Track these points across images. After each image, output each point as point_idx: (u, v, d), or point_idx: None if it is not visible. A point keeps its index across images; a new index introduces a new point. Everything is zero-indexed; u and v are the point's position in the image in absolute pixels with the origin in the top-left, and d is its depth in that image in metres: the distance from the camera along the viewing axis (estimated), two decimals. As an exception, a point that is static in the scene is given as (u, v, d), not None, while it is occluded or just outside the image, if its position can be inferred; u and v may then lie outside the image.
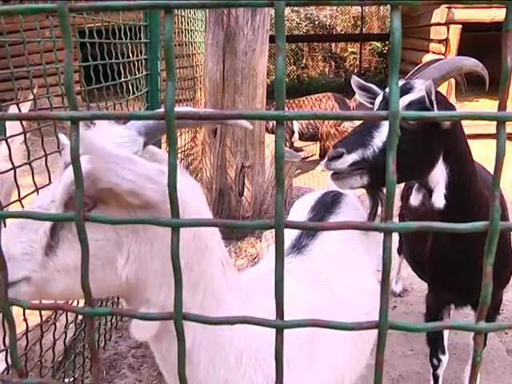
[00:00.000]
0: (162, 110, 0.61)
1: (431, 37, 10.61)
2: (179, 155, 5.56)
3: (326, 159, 2.08)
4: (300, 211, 2.23)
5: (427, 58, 10.93)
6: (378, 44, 19.25)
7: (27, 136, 2.55)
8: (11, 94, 2.66)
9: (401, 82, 2.20)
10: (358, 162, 2.04)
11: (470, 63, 2.42)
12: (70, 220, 0.66)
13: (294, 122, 8.07)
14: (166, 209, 1.04)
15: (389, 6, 0.57)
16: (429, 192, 2.26)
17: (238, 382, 1.34)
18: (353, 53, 19.94)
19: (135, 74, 3.76)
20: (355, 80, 2.63)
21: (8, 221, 0.82)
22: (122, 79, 3.44)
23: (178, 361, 0.70)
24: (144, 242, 1.16)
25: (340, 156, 2.02)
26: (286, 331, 1.41)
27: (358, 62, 19.54)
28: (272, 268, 1.80)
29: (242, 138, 4.84)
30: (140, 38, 3.88)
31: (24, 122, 3.00)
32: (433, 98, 2.07)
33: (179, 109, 0.62)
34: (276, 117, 0.59)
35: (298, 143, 8.55)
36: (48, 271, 1.13)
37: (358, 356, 1.87)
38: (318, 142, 8.50)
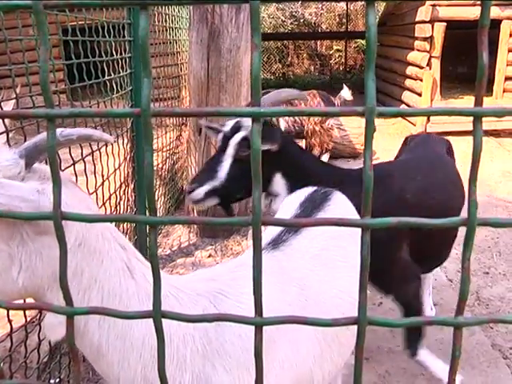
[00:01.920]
0: (137, 108, 0.61)
1: (416, 34, 10.65)
2: (165, 154, 5.54)
3: (187, 193, 2.82)
4: (289, 207, 2.22)
5: (412, 55, 11.00)
6: (364, 42, 19.28)
7: (10, 135, 2.53)
8: (-4, 93, 2.64)
9: (233, 121, 2.80)
10: (209, 191, 2.77)
11: (287, 94, 2.86)
12: (48, 219, 0.66)
13: (280, 119, 8.07)
14: (45, 224, 1.18)
15: (364, 2, 0.56)
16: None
17: (158, 380, 1.36)
18: (338, 50, 19.99)
19: (119, 73, 3.75)
20: (203, 123, 3.15)
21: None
22: (106, 77, 3.42)
23: (157, 358, 0.70)
24: (34, 252, 1.23)
25: (194, 190, 2.77)
26: (225, 333, 1.42)
27: (343, 60, 19.59)
28: (229, 267, 1.79)
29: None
30: (124, 36, 3.86)
31: (7, 121, 2.98)
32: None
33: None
34: (253, 113, 0.59)
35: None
36: None
37: (332, 357, 1.85)
38: (304, 140, 8.50)
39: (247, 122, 2.70)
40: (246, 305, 1.51)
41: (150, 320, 1.39)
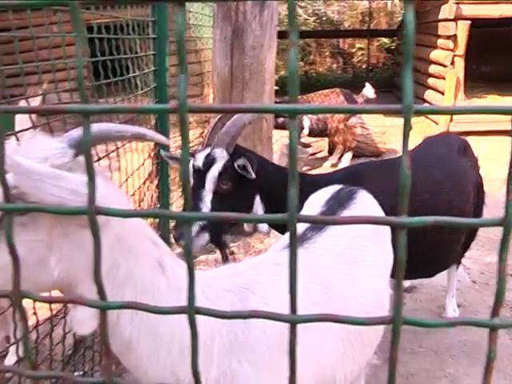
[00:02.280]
0: (173, 102, 0.61)
1: (439, 33, 10.54)
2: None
3: (175, 239, 2.77)
4: (314, 205, 2.22)
5: (436, 54, 10.89)
6: (386, 40, 19.16)
7: (37, 131, 2.55)
8: (20, 90, 2.67)
9: (204, 153, 2.74)
10: (198, 231, 2.72)
11: (248, 117, 2.81)
12: (83, 213, 0.66)
13: (305, 117, 8.05)
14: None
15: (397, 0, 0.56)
16: None
17: (186, 374, 1.37)
18: (360, 49, 19.87)
19: (143, 70, 3.77)
20: (163, 154, 3.14)
21: None
22: (131, 74, 3.44)
23: (191, 353, 0.70)
24: (74, 244, 1.22)
25: (182, 234, 2.70)
26: (251, 328, 1.42)
27: (365, 58, 19.47)
28: (253, 264, 1.78)
29: (249, 133, 4.83)
30: (148, 34, 3.88)
31: (33, 117, 3.01)
32: (237, 163, 2.66)
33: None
34: (289, 110, 0.59)
35: (305, 139, 8.53)
36: None
37: (354, 356, 1.85)
38: (327, 138, 8.48)
39: (220, 153, 2.70)
40: (271, 301, 1.52)
41: (181, 316, 1.40)
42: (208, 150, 2.74)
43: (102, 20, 3.16)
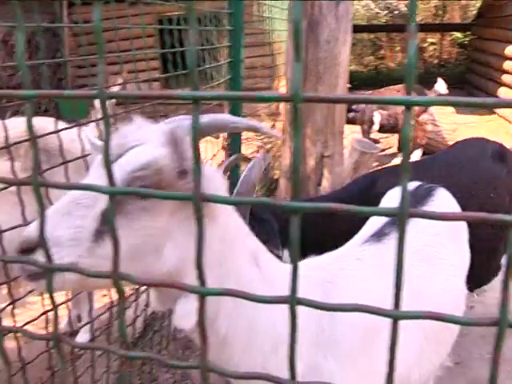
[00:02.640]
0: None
1: (517, 27, 10.17)
2: (258, 143, 5.58)
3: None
4: (390, 201, 2.20)
5: (511, 49, 10.49)
6: (459, 34, 18.60)
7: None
8: (92, 80, 2.75)
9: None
10: None
11: (256, 174, 2.52)
12: (188, 199, 0.67)
13: (375, 113, 7.95)
14: (206, 206, 1.15)
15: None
16: None
17: (276, 370, 1.34)
18: (432, 43, 19.40)
19: (219, 61, 3.80)
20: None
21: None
22: (207, 66, 3.48)
23: (290, 346, 0.70)
24: (188, 233, 1.23)
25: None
26: (337, 323, 1.40)
27: (437, 53, 18.99)
28: (334, 258, 1.77)
29: (322, 127, 4.79)
30: (224, 26, 3.91)
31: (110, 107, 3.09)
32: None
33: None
34: (405, 102, 0.58)
35: (375, 135, 8.41)
36: (94, 258, 1.16)
37: (430, 356, 1.82)
38: (397, 134, 8.34)
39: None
40: (353, 294, 1.51)
41: (275, 311, 1.40)
42: None
43: (180, 12, 3.21)
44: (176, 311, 1.27)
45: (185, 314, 1.24)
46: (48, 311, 2.59)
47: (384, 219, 1.98)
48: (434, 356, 1.85)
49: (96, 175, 1.23)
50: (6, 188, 2.32)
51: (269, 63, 6.28)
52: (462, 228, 2.18)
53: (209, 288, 0.70)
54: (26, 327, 0.92)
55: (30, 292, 2.58)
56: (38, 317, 2.55)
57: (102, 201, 1.16)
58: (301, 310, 0.66)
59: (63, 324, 4.00)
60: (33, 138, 0.74)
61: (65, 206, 1.17)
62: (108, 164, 0.69)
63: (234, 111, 3.96)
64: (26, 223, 2.45)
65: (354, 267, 1.65)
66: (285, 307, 0.65)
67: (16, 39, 0.69)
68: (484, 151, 3.29)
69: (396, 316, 0.63)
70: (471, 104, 0.58)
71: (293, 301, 0.65)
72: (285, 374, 0.72)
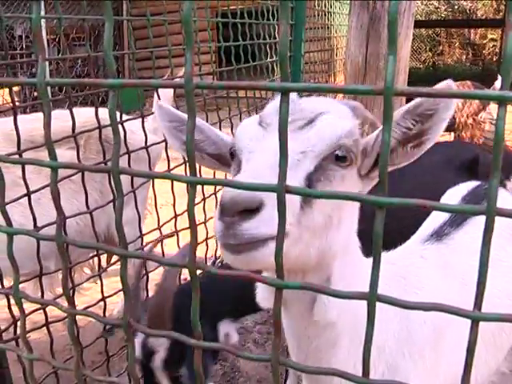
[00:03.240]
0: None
1: None
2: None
3: None
4: (450, 200, 2.16)
5: None
6: (524, 30, 18.02)
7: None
8: (149, 73, 2.80)
9: (138, 343, 2.20)
10: None
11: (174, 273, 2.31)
12: (272, 191, 0.66)
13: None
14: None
15: None
16: None
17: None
18: (493, 40, 18.86)
19: (272, 57, 3.81)
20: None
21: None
22: (268, 59, 3.48)
23: (364, 343, 0.69)
24: (353, 212, 1.22)
25: None
26: (411, 320, 1.38)
27: (497, 50, 18.49)
28: (401, 254, 1.74)
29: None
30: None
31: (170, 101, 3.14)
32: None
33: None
34: (500, 97, 0.56)
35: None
36: (299, 228, 1.04)
37: (487, 359, 1.79)
38: (453, 132, 8.16)
39: (157, 341, 2.18)
40: (423, 291, 1.49)
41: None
42: (141, 338, 2.21)
43: (243, 6, 3.21)
44: (258, 293, 1.24)
45: (266, 297, 1.22)
46: (106, 297, 2.67)
47: (442, 218, 1.94)
48: (491, 359, 1.82)
49: (268, 145, 1.09)
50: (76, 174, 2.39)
51: (327, 58, 6.23)
52: None
53: (287, 282, 0.69)
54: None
55: (91, 277, 2.65)
56: (97, 302, 2.62)
57: (308, 162, 1.09)
58: (385, 305, 0.65)
59: (116, 311, 4.09)
60: (116, 123, 0.74)
61: (266, 169, 0.99)
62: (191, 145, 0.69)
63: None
64: (89, 210, 2.52)
65: (419, 265, 1.63)
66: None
67: (105, 29, 0.70)
68: (451, 161, 2.89)
69: (477, 318, 0.61)
70: None
71: (372, 297, 0.64)
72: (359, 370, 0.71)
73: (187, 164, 0.68)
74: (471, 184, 2.24)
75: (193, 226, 0.70)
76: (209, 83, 0.70)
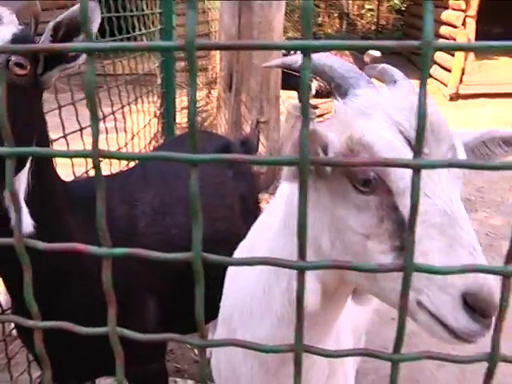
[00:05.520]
0: (181, 40, 0.58)
1: (451, -8, 10.35)
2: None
3: None
4: None
5: (446, 14, 10.68)
6: (396, 1, 18.86)
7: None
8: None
9: None
10: None
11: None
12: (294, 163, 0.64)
13: (314, 81, 8.02)
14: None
15: None
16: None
17: None
18: (370, 10, 19.63)
19: (149, 28, 3.72)
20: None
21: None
22: (137, 32, 3.40)
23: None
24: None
25: None
26: None
27: (375, 20, 19.26)
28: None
29: (257, 93, 4.77)
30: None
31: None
32: None
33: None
34: (302, 46, 0.56)
35: (312, 101, 8.48)
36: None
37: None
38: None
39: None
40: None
41: None
42: None
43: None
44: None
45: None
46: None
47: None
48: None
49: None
50: None
51: (204, 31, 6.18)
52: None
53: (113, 249, 0.67)
54: None
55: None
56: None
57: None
58: None
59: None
60: None
61: None
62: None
63: (167, 81, 3.90)
64: None
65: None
66: None
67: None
68: (205, 151, 2.53)
69: (396, 359, 0.62)
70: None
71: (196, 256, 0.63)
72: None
73: None
74: None
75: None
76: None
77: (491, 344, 0.61)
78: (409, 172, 0.94)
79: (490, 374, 0.63)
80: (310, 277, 1.13)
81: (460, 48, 0.56)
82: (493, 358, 0.61)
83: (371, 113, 1.04)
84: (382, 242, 0.99)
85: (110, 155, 0.65)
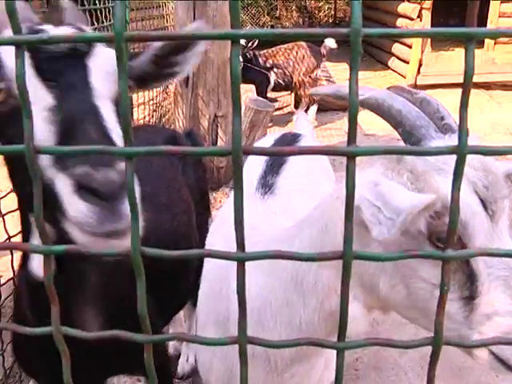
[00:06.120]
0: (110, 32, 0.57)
1: (407, -15, 10.48)
2: (151, 107, 5.46)
3: None
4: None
5: (403, 7, 10.81)
6: (354, -6, 19.06)
7: None
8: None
9: None
10: None
11: None
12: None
13: (272, 74, 8.04)
14: None
15: None
16: None
17: None
18: (327, 2, 19.76)
19: (102, 23, 3.67)
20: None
21: None
22: (89, 27, 3.34)
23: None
24: None
25: None
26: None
27: (332, 13, 19.43)
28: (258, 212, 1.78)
29: (214, 87, 4.75)
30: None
31: None
32: None
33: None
34: (231, 35, 0.56)
35: (271, 94, 8.49)
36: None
37: None
38: (293, 93, 8.46)
39: None
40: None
41: None
42: None
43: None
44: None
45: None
46: None
47: (257, 170, 2.04)
48: None
49: None
50: None
51: (159, 25, 6.13)
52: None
53: (52, 247, 0.66)
54: None
55: None
56: None
57: None
58: None
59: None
60: None
61: None
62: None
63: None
64: None
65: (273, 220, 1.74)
66: None
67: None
68: (155, 144, 2.50)
69: (342, 347, 0.62)
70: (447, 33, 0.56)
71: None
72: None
73: None
74: (277, 134, 2.41)
75: None
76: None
77: (434, 328, 0.63)
78: (486, 229, 1.03)
79: (435, 357, 0.64)
80: (357, 304, 1.19)
81: (388, 34, 0.56)
82: (436, 342, 0.63)
83: (448, 170, 1.03)
84: (452, 292, 1.04)
85: (52, 151, 0.64)
